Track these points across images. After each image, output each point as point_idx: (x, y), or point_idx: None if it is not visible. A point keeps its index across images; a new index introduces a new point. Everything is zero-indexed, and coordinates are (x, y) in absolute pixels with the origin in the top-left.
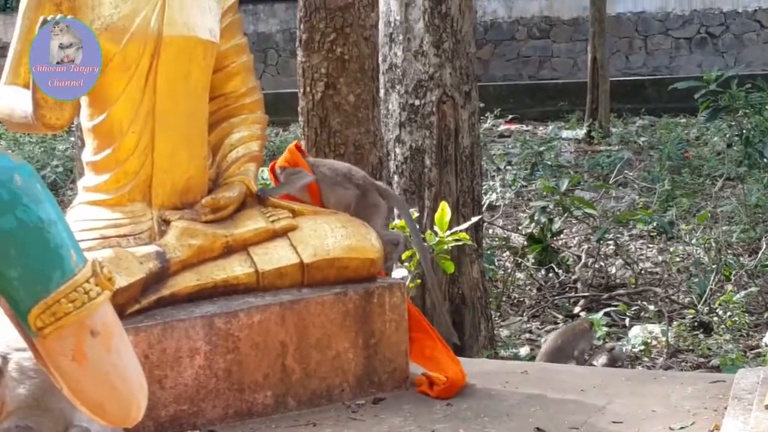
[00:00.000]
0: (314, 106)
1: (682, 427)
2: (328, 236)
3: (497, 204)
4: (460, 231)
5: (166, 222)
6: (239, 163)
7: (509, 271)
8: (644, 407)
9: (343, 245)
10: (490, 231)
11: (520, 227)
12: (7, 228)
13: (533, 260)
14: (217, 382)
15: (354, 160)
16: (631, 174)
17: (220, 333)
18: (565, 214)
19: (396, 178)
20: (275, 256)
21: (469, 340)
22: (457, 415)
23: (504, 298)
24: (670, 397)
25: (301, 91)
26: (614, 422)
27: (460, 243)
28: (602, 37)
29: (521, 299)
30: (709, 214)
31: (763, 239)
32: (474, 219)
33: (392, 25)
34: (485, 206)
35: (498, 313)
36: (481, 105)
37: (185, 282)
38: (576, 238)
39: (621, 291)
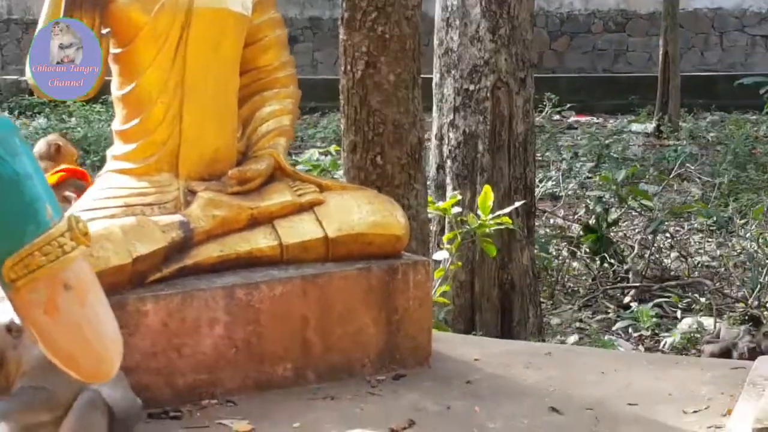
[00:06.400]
0: (354, 84)
1: (695, 411)
2: (354, 212)
3: (560, 194)
4: (504, 215)
5: (192, 192)
6: (269, 137)
7: (564, 260)
8: (661, 391)
9: (368, 221)
10: (551, 221)
11: (575, 217)
12: None
13: (588, 250)
14: (237, 352)
15: (393, 140)
16: (692, 168)
17: (241, 304)
18: (622, 205)
19: (449, 162)
20: (300, 230)
21: (517, 326)
22: (475, 393)
23: (558, 287)
24: (688, 382)
25: (342, 69)
26: (629, 404)
27: (502, 227)
28: (674, 32)
29: (575, 288)
30: (765, 209)
31: None
32: (518, 203)
33: (449, 9)
34: (546, 196)
35: (551, 302)
36: (554, 96)
37: (208, 252)
38: (636, 230)
39: (672, 283)
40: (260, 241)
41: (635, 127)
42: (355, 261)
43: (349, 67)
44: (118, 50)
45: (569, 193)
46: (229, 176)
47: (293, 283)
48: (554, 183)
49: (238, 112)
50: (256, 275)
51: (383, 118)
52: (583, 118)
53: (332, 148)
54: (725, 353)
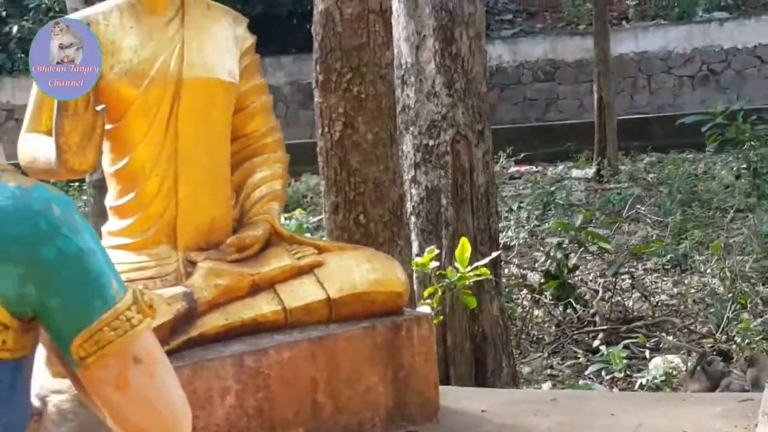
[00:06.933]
0: (333, 145)
1: None
2: (354, 271)
3: (512, 244)
4: (481, 266)
5: (192, 263)
6: (262, 203)
7: (527, 308)
8: (675, 428)
9: (369, 279)
10: (506, 270)
11: (535, 265)
12: (47, 258)
13: (550, 297)
14: (249, 421)
15: (374, 198)
16: (642, 209)
17: (250, 371)
18: (581, 250)
19: (413, 218)
20: (302, 293)
21: (491, 377)
22: None
23: (523, 336)
24: (700, 418)
25: (320, 131)
26: None
27: (481, 278)
28: (607, 76)
29: (540, 336)
30: (722, 245)
31: None
32: (494, 254)
33: (404, 67)
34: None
35: (518, 351)
36: (509, 147)
37: (213, 322)
38: (592, 274)
39: (639, 323)
40: (263, 306)
41: (576, 173)
42: (358, 320)
43: (326, 129)
44: (109, 126)
45: (520, 242)
46: (227, 244)
47: (300, 346)
48: (508, 231)
49: (230, 179)
50: (263, 341)
51: (364, 177)
52: (522, 168)
53: (297, 212)
54: (712, 388)
